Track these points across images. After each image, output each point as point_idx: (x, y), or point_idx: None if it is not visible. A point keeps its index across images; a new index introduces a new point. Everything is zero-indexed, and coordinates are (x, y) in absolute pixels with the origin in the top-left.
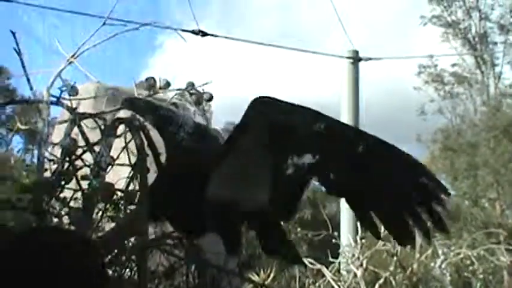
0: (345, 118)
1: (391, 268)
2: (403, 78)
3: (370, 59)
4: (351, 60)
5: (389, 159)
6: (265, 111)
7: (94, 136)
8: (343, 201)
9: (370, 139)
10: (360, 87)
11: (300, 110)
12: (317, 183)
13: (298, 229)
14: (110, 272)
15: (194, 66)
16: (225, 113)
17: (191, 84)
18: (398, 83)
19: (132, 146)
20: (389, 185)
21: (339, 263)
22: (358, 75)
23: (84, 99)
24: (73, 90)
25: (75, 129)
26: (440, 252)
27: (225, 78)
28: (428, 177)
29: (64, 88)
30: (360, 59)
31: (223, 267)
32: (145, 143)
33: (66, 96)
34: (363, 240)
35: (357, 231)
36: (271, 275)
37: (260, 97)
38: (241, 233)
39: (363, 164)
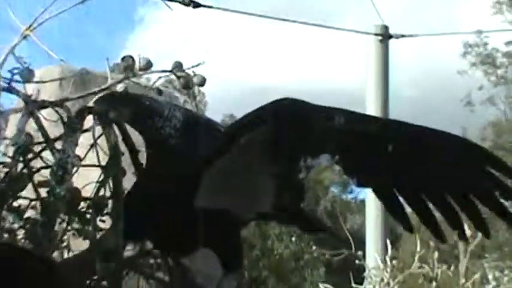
0: (372, 107)
1: None
2: (444, 59)
3: (402, 36)
4: (379, 38)
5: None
6: (289, 106)
7: (55, 130)
8: (368, 211)
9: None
10: (389, 70)
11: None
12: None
13: (313, 247)
14: None
15: (183, 44)
16: (221, 102)
17: (179, 65)
18: (438, 65)
19: (103, 142)
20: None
21: None
22: (388, 56)
23: (44, 82)
24: (29, 74)
25: (32, 122)
26: (490, 277)
27: (221, 59)
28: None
29: (16, 71)
30: (390, 36)
31: None
32: (120, 138)
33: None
34: (394, 262)
35: (386, 249)
36: None
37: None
38: (241, 248)
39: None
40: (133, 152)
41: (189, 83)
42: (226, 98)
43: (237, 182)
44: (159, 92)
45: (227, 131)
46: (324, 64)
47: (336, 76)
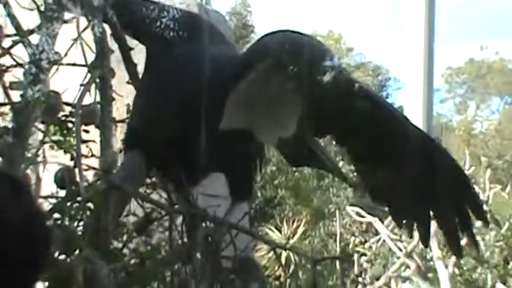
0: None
1: (479, 222)
2: None
3: None
4: None
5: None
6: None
7: (30, 20)
8: None
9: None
10: None
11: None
12: None
13: (341, 163)
14: (53, 228)
15: None
16: None
17: None
18: None
19: (88, 36)
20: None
21: None
22: None
23: None
24: None
25: (1, 10)
26: None
27: None
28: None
29: None
30: None
31: (224, 219)
32: (109, 32)
33: None
34: None
35: None
36: (299, 230)
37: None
38: (254, 168)
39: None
40: (125, 49)
41: None
42: None
43: (258, 103)
44: None
45: (246, 55)
46: None
47: None
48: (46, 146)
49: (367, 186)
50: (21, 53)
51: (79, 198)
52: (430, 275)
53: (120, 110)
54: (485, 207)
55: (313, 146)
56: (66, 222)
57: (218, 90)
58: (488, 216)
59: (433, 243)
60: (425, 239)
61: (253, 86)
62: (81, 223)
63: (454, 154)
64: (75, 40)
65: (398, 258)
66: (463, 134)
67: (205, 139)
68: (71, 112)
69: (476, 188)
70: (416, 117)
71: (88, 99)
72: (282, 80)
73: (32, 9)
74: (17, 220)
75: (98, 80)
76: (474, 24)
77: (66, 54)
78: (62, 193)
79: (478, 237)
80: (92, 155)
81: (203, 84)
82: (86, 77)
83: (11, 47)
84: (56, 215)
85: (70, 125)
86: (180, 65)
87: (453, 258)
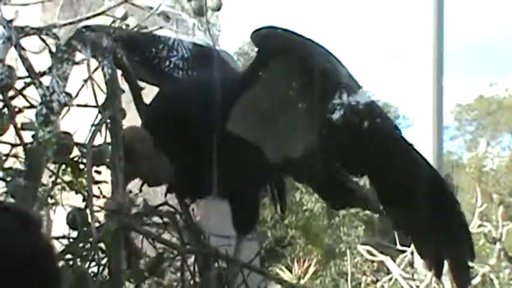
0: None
1: (493, 260)
2: None
3: None
4: None
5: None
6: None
7: (42, 62)
8: None
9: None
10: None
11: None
12: None
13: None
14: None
15: None
16: (238, 29)
17: None
18: None
19: (99, 78)
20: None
21: (412, 252)
22: None
23: (25, 5)
24: None
25: (12, 52)
26: None
27: None
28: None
29: None
30: None
31: (236, 257)
32: (120, 73)
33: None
34: None
35: None
36: (310, 270)
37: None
38: (259, 203)
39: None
40: (136, 89)
41: (202, 8)
42: (244, 22)
43: (265, 120)
44: (166, 17)
45: (250, 67)
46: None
47: None
48: (58, 187)
49: (393, 222)
50: (33, 94)
51: (91, 239)
52: None
53: None
54: (498, 245)
55: (351, 185)
56: (78, 263)
57: (225, 103)
58: (502, 254)
59: (446, 280)
60: (438, 273)
61: (258, 97)
62: (93, 263)
63: (465, 191)
64: (85, 81)
65: None
66: (474, 171)
67: (210, 160)
68: (82, 153)
69: (489, 226)
70: (426, 155)
71: (99, 140)
72: (286, 90)
73: (41, 51)
74: (24, 253)
75: (108, 121)
76: (483, 60)
77: (77, 95)
78: (74, 234)
79: (492, 275)
80: (104, 196)
81: (211, 99)
82: (96, 118)
83: (23, 88)
84: (68, 256)
85: (82, 165)
86: (191, 85)
87: None
